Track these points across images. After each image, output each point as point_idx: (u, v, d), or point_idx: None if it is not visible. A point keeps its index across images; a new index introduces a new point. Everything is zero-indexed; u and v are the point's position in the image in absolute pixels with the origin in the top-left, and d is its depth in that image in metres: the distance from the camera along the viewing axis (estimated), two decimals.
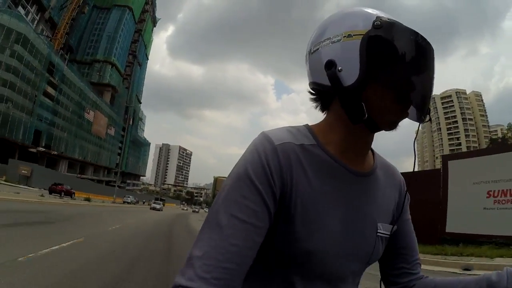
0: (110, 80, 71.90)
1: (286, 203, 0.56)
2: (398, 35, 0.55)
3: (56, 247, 5.73)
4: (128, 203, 39.09)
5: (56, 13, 58.84)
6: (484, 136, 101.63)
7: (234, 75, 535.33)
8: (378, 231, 0.63)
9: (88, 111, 58.81)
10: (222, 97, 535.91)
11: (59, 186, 28.14)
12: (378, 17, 0.56)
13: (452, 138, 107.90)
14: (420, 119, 0.59)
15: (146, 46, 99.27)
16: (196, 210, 76.98)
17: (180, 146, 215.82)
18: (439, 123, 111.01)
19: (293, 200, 0.56)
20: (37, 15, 55.19)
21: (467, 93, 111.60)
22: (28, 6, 53.15)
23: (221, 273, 0.48)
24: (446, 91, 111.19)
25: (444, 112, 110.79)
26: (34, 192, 24.03)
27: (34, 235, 6.66)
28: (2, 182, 24.76)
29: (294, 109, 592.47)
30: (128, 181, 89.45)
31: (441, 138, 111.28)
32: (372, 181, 0.65)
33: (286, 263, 0.58)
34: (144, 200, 73.06)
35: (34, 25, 51.86)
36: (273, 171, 0.55)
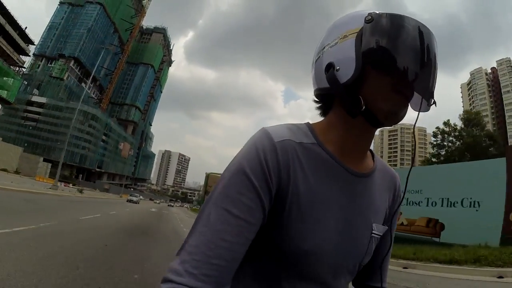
0: (133, 118, 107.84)
1: (282, 200, 0.56)
2: (390, 24, 0.56)
3: (114, 211, 15.90)
4: (133, 201, 38.43)
5: (103, 79, 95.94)
6: (419, 165, 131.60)
7: (245, 80, 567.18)
8: (373, 231, 0.64)
9: (121, 144, 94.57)
10: (231, 101, 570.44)
11: (155, 200, 73.24)
12: (369, 13, 0.58)
13: (391, 165, 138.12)
14: (419, 106, 0.57)
15: (162, 85, 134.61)
16: (172, 204, 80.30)
17: (179, 153, 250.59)
18: (382, 151, 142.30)
19: (289, 198, 0.56)
20: (91, 84, 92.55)
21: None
22: (88, 81, 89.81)
23: (210, 270, 0.48)
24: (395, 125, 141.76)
25: (389, 144, 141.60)
26: (113, 195, 56.91)
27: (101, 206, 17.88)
28: (96, 191, 59.28)
29: (300, 115, 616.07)
30: (139, 183, 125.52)
31: None
32: (370, 183, 0.65)
33: (282, 261, 0.57)
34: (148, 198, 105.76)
35: (90, 90, 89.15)
36: (270, 168, 0.55)
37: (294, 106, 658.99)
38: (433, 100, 0.58)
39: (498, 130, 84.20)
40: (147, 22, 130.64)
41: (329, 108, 0.65)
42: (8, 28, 38.33)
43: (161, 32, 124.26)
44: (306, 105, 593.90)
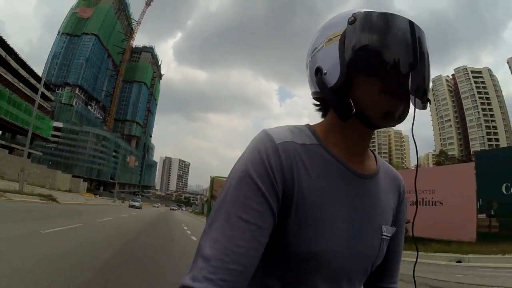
0: (135, 133, 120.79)
1: (288, 203, 0.56)
2: (374, 24, 0.55)
3: (126, 214, 22.84)
4: (136, 207, 38.53)
5: (105, 99, 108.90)
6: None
7: (237, 80, 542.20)
8: (383, 233, 0.63)
9: (128, 157, 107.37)
10: (227, 102, 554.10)
11: (153, 204, 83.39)
12: (353, 14, 0.57)
13: None
14: (414, 104, 0.55)
15: (156, 98, 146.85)
16: (174, 208, 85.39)
17: (179, 159, 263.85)
18: None
19: (295, 200, 0.56)
20: (95, 105, 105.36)
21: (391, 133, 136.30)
22: (92, 104, 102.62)
23: (227, 275, 0.49)
24: None
25: None
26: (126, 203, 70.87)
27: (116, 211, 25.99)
28: (115, 201, 72.37)
29: (297, 113, 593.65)
30: (145, 190, 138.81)
31: None
32: (375, 184, 0.64)
33: (292, 263, 0.57)
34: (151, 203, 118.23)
35: (95, 111, 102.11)
36: (274, 171, 0.55)
37: (290, 104, 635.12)
38: (427, 98, 0.56)
39: (462, 133, 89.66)
40: (137, 34, 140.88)
41: (328, 110, 0.65)
42: (39, 86, 50.54)
43: (149, 51, 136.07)
44: (302, 103, 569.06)
